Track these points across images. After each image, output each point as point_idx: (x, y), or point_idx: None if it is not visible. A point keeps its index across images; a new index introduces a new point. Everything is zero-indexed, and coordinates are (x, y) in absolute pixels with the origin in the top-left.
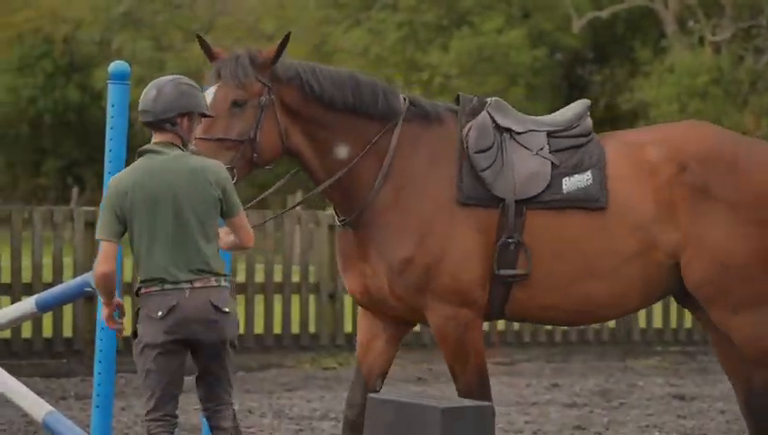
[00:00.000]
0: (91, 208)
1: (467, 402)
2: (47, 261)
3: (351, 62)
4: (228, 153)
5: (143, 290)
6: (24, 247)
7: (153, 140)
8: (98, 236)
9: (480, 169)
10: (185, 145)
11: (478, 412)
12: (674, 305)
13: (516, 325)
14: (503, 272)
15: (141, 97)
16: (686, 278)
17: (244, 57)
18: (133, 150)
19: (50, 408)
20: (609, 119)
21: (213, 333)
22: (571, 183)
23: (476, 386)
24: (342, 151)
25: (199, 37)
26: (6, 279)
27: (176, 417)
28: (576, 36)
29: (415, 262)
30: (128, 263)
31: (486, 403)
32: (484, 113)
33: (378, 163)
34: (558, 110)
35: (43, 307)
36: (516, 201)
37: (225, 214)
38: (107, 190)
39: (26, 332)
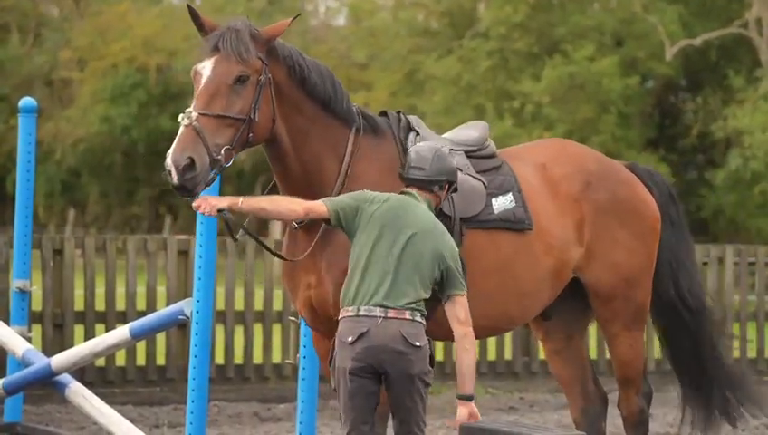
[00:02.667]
0: (185, 237)
1: (563, 431)
2: (141, 289)
3: (443, 90)
4: (228, 131)
5: (341, 313)
6: (119, 276)
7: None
8: (323, 200)
9: None
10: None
11: None
12: None
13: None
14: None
15: (414, 156)
16: (593, 292)
17: (245, 32)
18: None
19: None
20: (702, 146)
21: (400, 364)
22: (498, 204)
23: None
24: (316, 145)
25: (189, 6)
26: (101, 307)
27: None
28: (669, 64)
29: None
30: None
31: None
32: (414, 131)
33: (337, 165)
34: (650, 139)
35: (136, 335)
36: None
37: (446, 287)
38: (363, 192)
39: (120, 360)
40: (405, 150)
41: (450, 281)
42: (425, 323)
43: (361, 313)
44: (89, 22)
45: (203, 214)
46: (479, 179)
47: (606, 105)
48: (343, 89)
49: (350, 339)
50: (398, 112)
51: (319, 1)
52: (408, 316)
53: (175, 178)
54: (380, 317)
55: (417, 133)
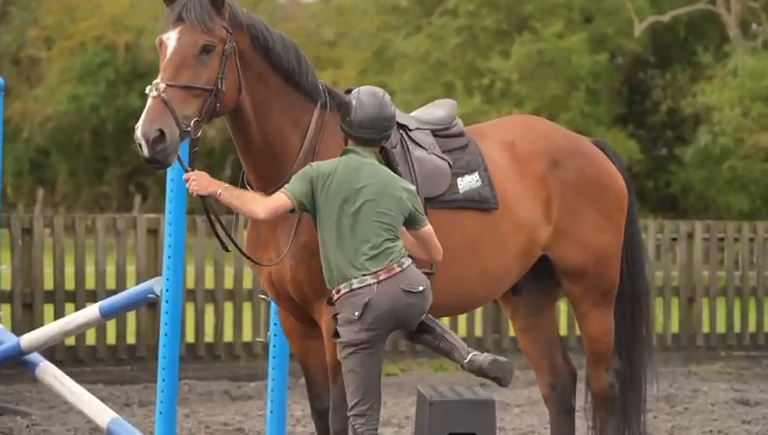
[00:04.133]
0: (154, 216)
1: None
2: (110, 268)
3: (412, 68)
4: (196, 102)
5: (335, 295)
6: (88, 255)
7: (353, 145)
8: (283, 191)
9: (394, 165)
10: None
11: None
12: (738, 310)
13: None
14: None
15: (359, 112)
16: (562, 270)
17: (207, 0)
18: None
19: (114, 414)
20: (671, 123)
21: (414, 312)
22: (464, 183)
23: None
24: (279, 118)
25: None
26: (70, 286)
27: (379, 410)
28: (637, 40)
29: None
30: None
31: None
32: None
33: (300, 140)
34: (619, 116)
35: (106, 314)
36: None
37: (412, 225)
38: (307, 168)
39: (90, 339)
40: None
41: (413, 220)
42: (413, 259)
43: (354, 286)
44: (56, 0)
45: (192, 191)
46: (444, 159)
47: (575, 82)
48: (308, 63)
49: (356, 314)
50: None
51: None
52: (397, 269)
53: (145, 151)
54: (374, 283)
55: None
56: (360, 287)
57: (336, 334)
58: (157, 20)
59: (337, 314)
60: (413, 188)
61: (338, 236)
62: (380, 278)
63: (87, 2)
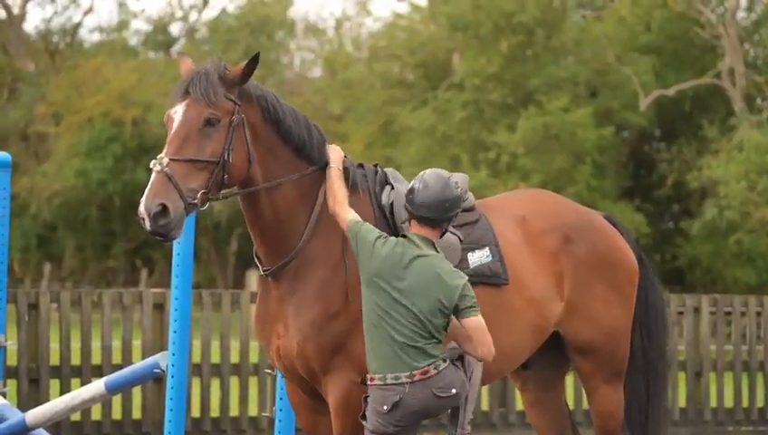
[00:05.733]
0: (160, 290)
1: None
2: (116, 343)
3: (418, 141)
4: (201, 174)
5: (369, 379)
6: (94, 330)
7: (412, 230)
8: (353, 217)
9: None
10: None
11: None
12: (745, 384)
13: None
14: None
15: (422, 190)
16: (572, 346)
17: (213, 73)
18: None
19: None
20: (677, 197)
21: (444, 409)
22: (474, 258)
23: None
24: (289, 192)
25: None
26: (76, 361)
27: None
28: (643, 114)
29: (339, 319)
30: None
31: None
32: (389, 185)
33: (309, 213)
34: (625, 189)
35: (112, 389)
36: None
37: (458, 316)
38: (357, 226)
39: (96, 414)
40: (379, 205)
41: (458, 312)
42: (448, 362)
43: (388, 381)
44: (64, 76)
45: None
46: (455, 234)
47: (581, 155)
48: (321, 135)
49: (385, 408)
50: (375, 165)
51: (294, 53)
52: (432, 371)
53: (148, 225)
54: (407, 383)
55: (393, 187)
56: (394, 384)
57: (363, 417)
58: (164, 96)
59: (367, 396)
60: (463, 279)
61: (375, 320)
62: (415, 380)
63: (95, 78)
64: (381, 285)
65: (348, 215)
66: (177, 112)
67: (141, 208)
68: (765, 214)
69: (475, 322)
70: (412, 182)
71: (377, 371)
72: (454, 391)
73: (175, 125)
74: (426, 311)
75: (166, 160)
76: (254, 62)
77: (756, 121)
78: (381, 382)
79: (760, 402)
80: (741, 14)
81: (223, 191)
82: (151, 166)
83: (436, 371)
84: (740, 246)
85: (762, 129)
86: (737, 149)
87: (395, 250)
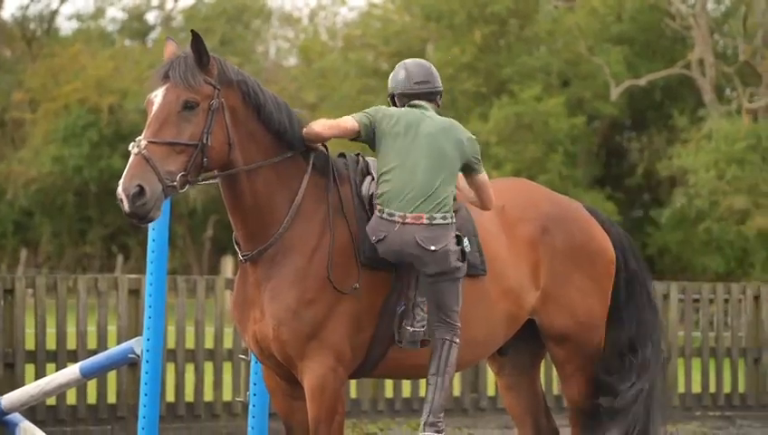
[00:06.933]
0: (136, 276)
1: None
2: (92, 329)
3: None
4: (180, 157)
5: (377, 202)
6: (70, 315)
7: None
8: (352, 116)
9: None
10: None
11: None
12: (712, 370)
13: (556, 392)
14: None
15: (413, 70)
16: (548, 334)
17: (191, 57)
18: None
19: None
20: (648, 185)
21: (418, 265)
22: None
23: None
24: (270, 177)
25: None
26: (52, 346)
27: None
28: (614, 104)
29: (315, 306)
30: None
31: None
32: (370, 175)
33: (288, 202)
34: (596, 178)
35: (87, 374)
36: None
37: (469, 172)
38: (372, 109)
39: (71, 398)
40: (359, 194)
41: (470, 166)
42: (447, 220)
43: (384, 215)
44: (41, 63)
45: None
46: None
47: (553, 144)
48: (301, 123)
49: (373, 238)
50: (358, 154)
51: (270, 42)
52: (425, 220)
53: (126, 206)
54: (398, 223)
55: (373, 178)
56: (388, 220)
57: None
58: (140, 82)
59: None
60: (472, 136)
61: (394, 167)
62: (405, 221)
63: (71, 65)
64: (407, 132)
65: (350, 118)
66: (157, 96)
67: (119, 190)
68: (733, 202)
69: (485, 178)
70: (394, 73)
71: (384, 202)
72: (433, 247)
73: (154, 108)
74: (449, 147)
75: (144, 143)
76: (195, 42)
77: (725, 111)
78: (380, 214)
79: (727, 388)
80: (711, 6)
81: (203, 174)
82: (130, 148)
83: (428, 222)
84: (709, 235)
85: (731, 118)
86: (707, 138)
87: (412, 110)
